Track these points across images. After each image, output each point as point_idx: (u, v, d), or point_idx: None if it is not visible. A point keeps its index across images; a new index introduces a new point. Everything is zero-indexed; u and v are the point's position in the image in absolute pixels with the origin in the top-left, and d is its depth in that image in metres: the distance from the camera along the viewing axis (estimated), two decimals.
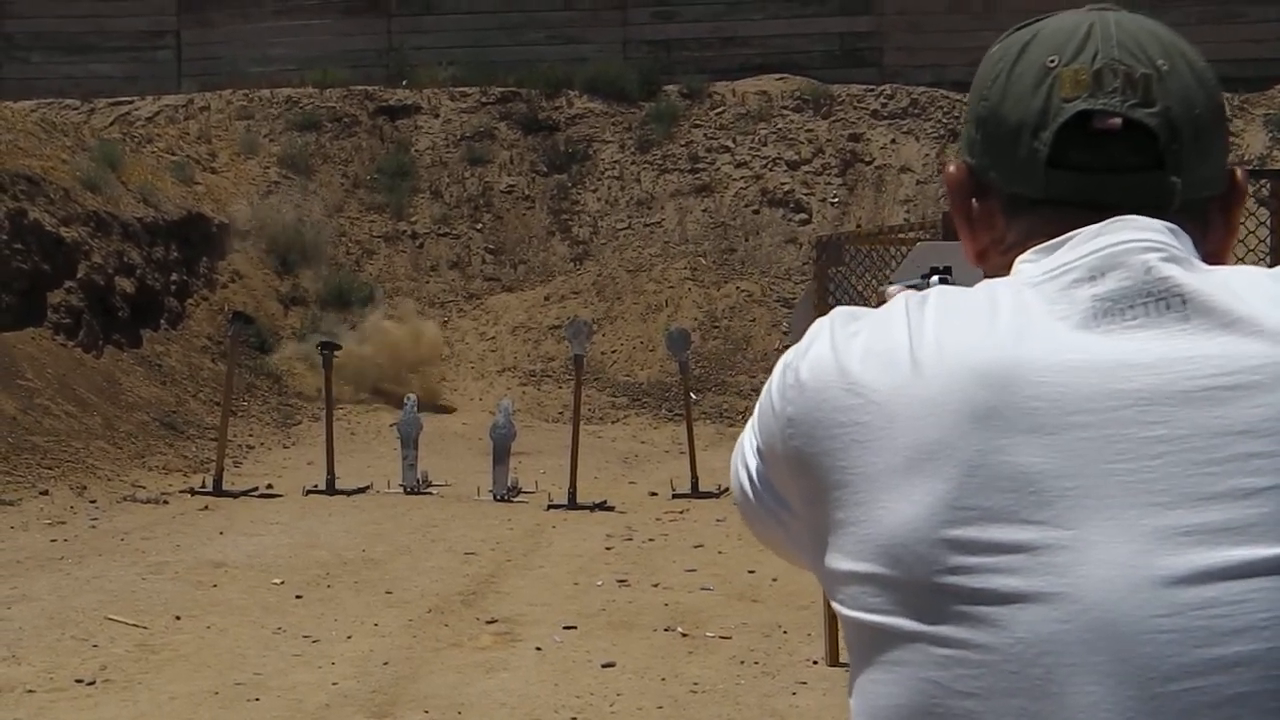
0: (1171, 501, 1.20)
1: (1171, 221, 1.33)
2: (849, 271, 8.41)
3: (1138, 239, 1.30)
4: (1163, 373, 1.23)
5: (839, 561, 1.31)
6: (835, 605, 1.33)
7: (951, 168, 1.47)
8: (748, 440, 1.48)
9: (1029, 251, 1.36)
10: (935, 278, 1.66)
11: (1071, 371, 1.25)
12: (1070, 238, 1.33)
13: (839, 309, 1.41)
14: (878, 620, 1.28)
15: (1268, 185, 7.69)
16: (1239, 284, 1.27)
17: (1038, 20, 1.43)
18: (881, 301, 1.58)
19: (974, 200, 1.45)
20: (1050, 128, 1.35)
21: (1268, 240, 7.43)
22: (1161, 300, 1.26)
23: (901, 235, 8.99)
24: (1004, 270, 1.38)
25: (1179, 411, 1.22)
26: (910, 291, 1.38)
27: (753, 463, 1.46)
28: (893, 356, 1.30)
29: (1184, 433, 1.22)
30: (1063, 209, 1.36)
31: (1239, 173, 1.43)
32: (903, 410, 1.28)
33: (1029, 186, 1.38)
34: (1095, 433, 1.23)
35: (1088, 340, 1.26)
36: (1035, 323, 1.28)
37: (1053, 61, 1.36)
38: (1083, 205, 1.35)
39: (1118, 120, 1.33)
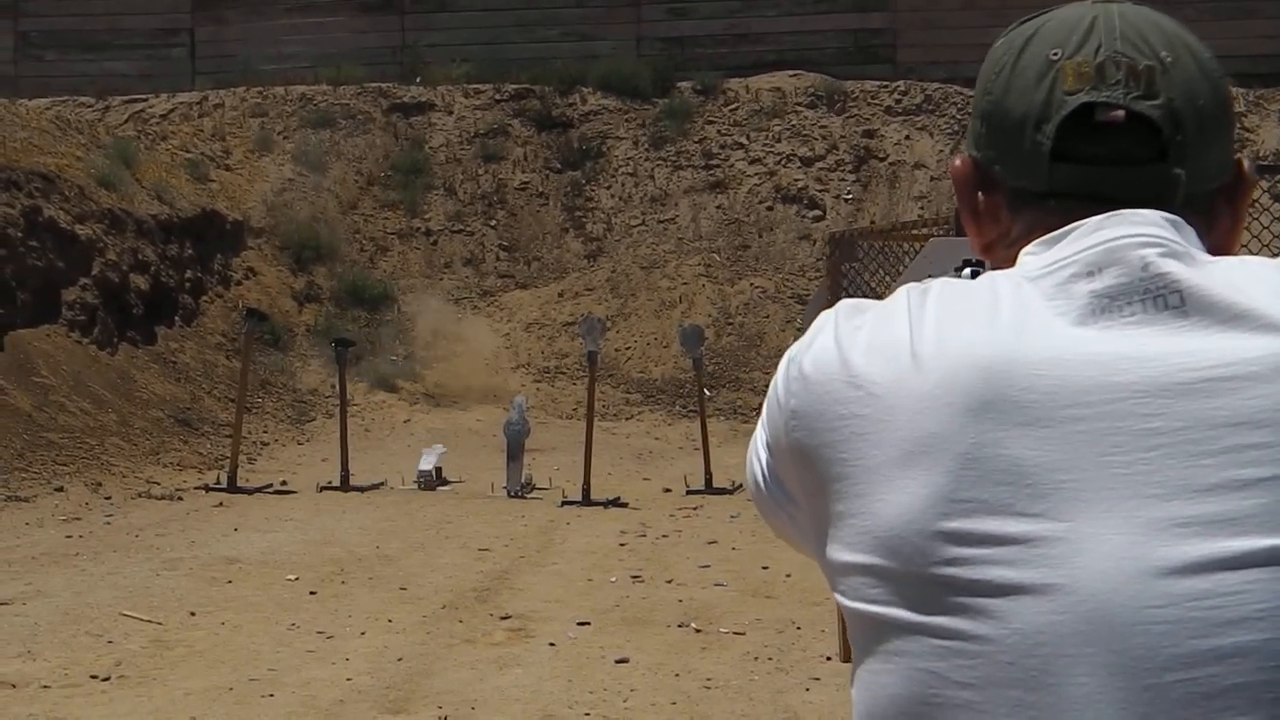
0: (1168, 493, 1.20)
1: (1175, 213, 1.33)
2: (862, 268, 8.40)
3: (1136, 234, 1.30)
4: (1160, 366, 1.23)
5: (839, 553, 1.32)
6: (836, 596, 1.34)
7: (957, 161, 1.47)
8: (759, 433, 1.49)
9: (1032, 244, 1.36)
10: (968, 270, 1.66)
11: (1068, 365, 1.25)
12: (1071, 231, 1.33)
13: (844, 301, 1.41)
14: (877, 611, 1.29)
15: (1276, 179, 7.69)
16: (1241, 277, 1.27)
17: (1042, 13, 1.43)
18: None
19: (980, 194, 1.44)
20: (1053, 121, 1.35)
21: None
22: (1159, 297, 1.26)
23: (915, 231, 8.99)
24: (1010, 263, 1.38)
25: (1176, 404, 1.22)
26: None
27: (763, 455, 1.47)
28: (894, 350, 1.31)
29: (1181, 424, 1.22)
30: (1066, 202, 1.36)
31: (1246, 163, 1.43)
32: (901, 403, 1.28)
33: (1033, 180, 1.38)
34: (1091, 425, 1.23)
35: (1085, 336, 1.26)
36: (1034, 318, 1.28)
37: (1056, 54, 1.36)
38: (1086, 198, 1.35)
39: (1120, 113, 1.33)
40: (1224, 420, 1.21)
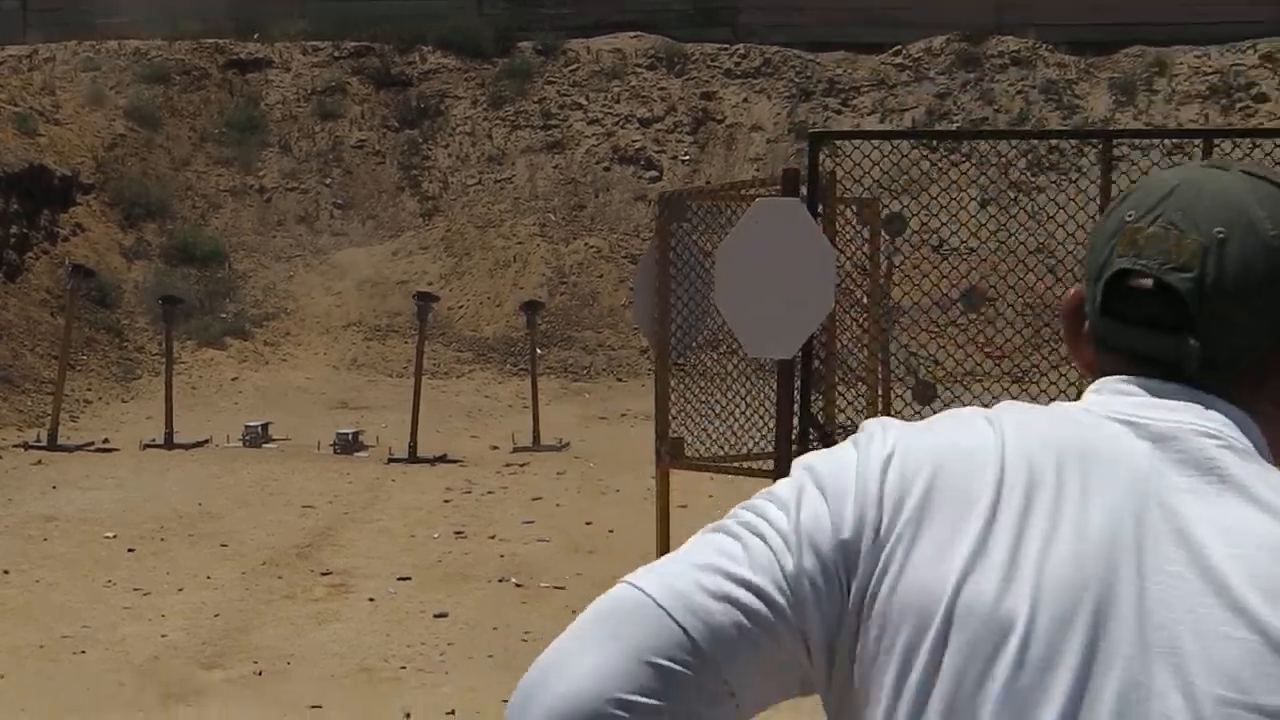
0: None
1: (1228, 399, 1.43)
2: (691, 228, 8.43)
3: (1198, 424, 1.40)
4: None
5: None
6: None
7: (1071, 291, 1.57)
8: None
9: (1097, 383, 1.49)
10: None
11: None
12: (1132, 392, 1.45)
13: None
14: None
15: (1099, 145, 7.84)
16: None
17: (1159, 172, 1.52)
18: None
19: (1086, 323, 1.54)
20: (1102, 279, 1.46)
21: (1097, 199, 7.57)
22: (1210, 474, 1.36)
23: (744, 192, 9.02)
24: None
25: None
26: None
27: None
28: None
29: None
30: (1115, 354, 1.48)
31: None
32: None
33: (1095, 326, 1.50)
34: None
35: None
36: None
37: (1130, 217, 1.46)
38: (1125, 352, 1.46)
39: (1148, 281, 1.42)
40: None
